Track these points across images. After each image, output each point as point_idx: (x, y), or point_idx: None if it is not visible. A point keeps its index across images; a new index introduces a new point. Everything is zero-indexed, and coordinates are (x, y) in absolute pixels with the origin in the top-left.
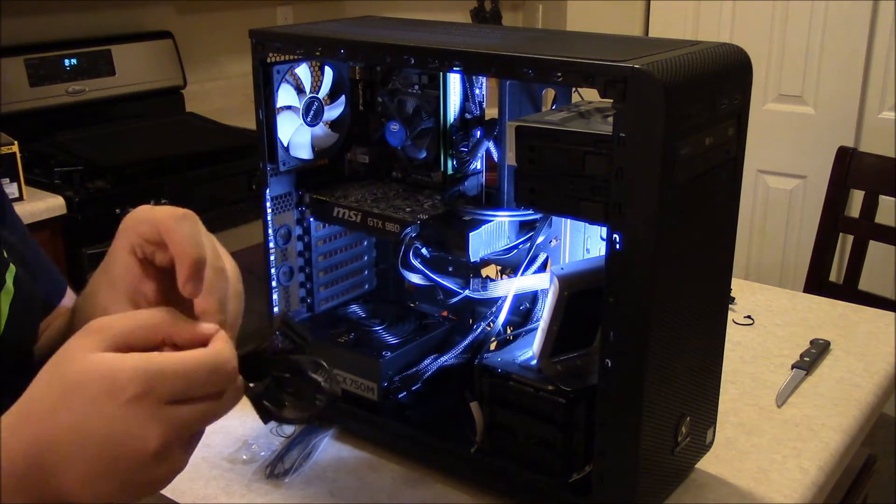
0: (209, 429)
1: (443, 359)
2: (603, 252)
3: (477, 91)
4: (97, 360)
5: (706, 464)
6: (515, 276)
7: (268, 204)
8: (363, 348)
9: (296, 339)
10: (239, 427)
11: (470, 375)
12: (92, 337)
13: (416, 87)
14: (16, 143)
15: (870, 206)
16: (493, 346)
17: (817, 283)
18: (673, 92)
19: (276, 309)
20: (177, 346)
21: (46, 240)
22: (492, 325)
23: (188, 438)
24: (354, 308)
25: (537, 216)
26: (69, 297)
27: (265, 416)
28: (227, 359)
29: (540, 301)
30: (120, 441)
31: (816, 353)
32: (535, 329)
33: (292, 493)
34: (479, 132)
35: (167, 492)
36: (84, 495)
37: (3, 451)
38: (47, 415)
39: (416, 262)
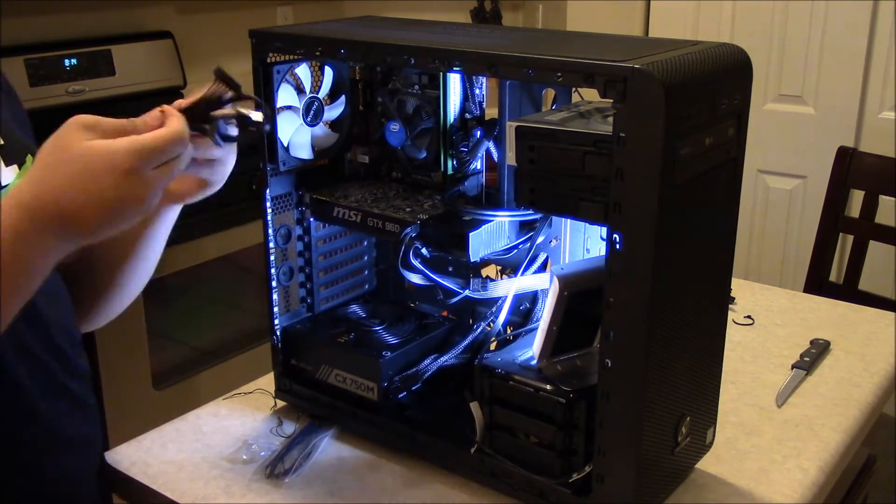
0: (209, 429)
1: (443, 359)
2: (603, 252)
3: (477, 91)
4: (97, 144)
5: (706, 464)
6: (515, 276)
7: (268, 204)
8: (363, 348)
9: (231, 85)
10: (239, 427)
11: (470, 375)
12: (84, 131)
13: (416, 87)
14: (29, 156)
15: (870, 206)
16: (493, 346)
17: (817, 283)
18: (673, 92)
19: (275, 310)
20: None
21: None
22: (492, 325)
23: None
24: (354, 308)
25: (537, 216)
26: None
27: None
28: (184, 128)
29: (540, 301)
30: (123, 199)
31: (816, 353)
32: (535, 329)
33: (292, 493)
34: (479, 132)
35: (167, 492)
36: (95, 229)
37: (30, 207)
38: (62, 187)
39: (416, 262)
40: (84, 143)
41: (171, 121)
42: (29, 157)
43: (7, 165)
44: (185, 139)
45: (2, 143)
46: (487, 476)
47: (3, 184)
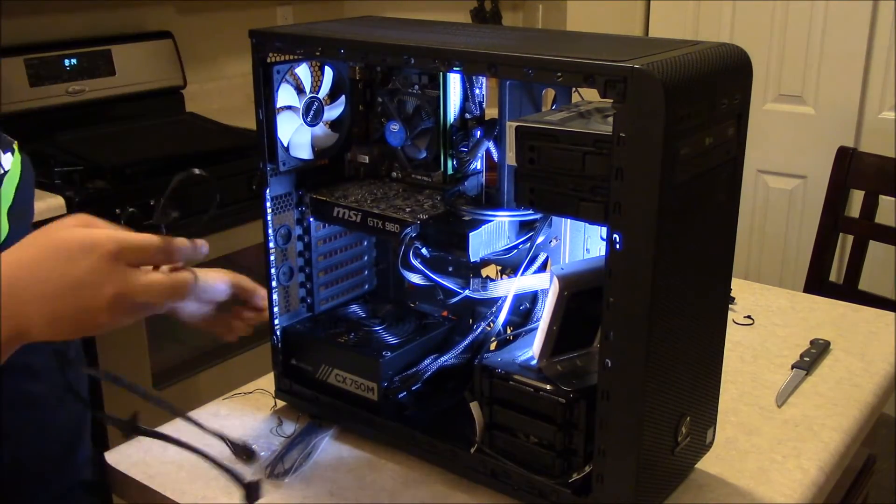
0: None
1: (443, 359)
2: (603, 252)
3: (477, 91)
4: (80, 231)
5: (706, 464)
6: (515, 276)
7: (268, 204)
8: (363, 348)
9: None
10: (239, 427)
11: (470, 375)
12: (77, 218)
13: (416, 87)
14: (15, 143)
15: (870, 206)
16: (493, 346)
17: (817, 283)
18: (673, 92)
19: (276, 310)
20: None
21: None
22: (492, 325)
23: (135, 305)
24: (354, 308)
25: (537, 216)
26: None
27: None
28: (179, 244)
29: (540, 301)
30: (85, 287)
31: (816, 353)
32: (535, 329)
33: (292, 493)
34: (479, 132)
35: (167, 492)
36: (43, 330)
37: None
38: (31, 264)
39: (416, 262)
40: (68, 230)
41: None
42: (16, 143)
43: (4, 153)
44: (176, 249)
45: None
46: (487, 476)
47: (6, 168)
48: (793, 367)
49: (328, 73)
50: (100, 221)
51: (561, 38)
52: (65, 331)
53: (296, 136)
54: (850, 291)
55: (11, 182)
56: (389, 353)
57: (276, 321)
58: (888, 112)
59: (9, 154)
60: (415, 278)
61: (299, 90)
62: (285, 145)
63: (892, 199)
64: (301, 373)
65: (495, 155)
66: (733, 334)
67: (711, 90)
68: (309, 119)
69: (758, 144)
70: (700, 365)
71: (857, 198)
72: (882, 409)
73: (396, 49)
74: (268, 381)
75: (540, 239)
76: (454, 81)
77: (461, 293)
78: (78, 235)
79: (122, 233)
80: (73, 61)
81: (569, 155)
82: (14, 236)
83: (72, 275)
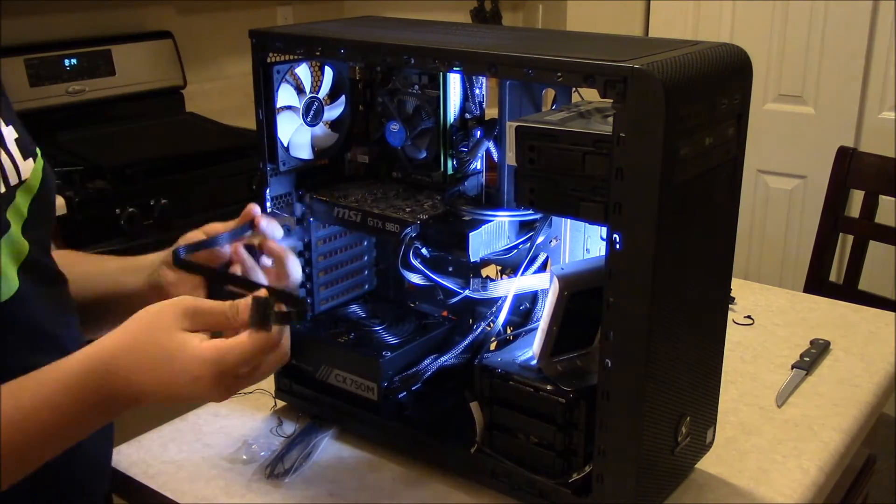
0: (209, 429)
1: (443, 359)
2: (603, 252)
3: (477, 91)
4: (189, 345)
5: (706, 464)
6: (515, 276)
7: (268, 204)
8: (363, 348)
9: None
10: (239, 427)
11: (470, 375)
12: (184, 318)
13: (416, 87)
14: (38, 149)
15: (870, 206)
16: (493, 346)
17: (817, 283)
18: (673, 92)
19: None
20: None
21: None
22: (492, 325)
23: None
24: (354, 308)
25: (537, 216)
26: None
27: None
28: (275, 340)
29: (540, 301)
30: (191, 398)
31: (816, 353)
32: (535, 329)
33: (292, 493)
34: (479, 132)
35: (167, 492)
36: (157, 402)
37: (98, 374)
38: (135, 366)
39: (416, 262)
40: (175, 335)
41: (261, 336)
42: (38, 150)
43: (24, 160)
44: (272, 347)
45: (17, 136)
46: (487, 476)
47: (23, 178)
48: (793, 367)
49: (328, 73)
50: (205, 309)
51: (561, 38)
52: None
53: (296, 136)
54: (850, 291)
55: (28, 193)
56: (389, 353)
57: None
58: (888, 112)
59: (30, 161)
60: (415, 278)
61: (299, 90)
62: (285, 145)
63: (892, 199)
64: (301, 373)
65: (495, 155)
66: (733, 334)
67: (711, 90)
68: (309, 119)
69: (758, 144)
70: (700, 365)
71: (857, 198)
72: (882, 409)
73: (396, 49)
74: (268, 381)
75: (540, 239)
76: (454, 81)
77: (461, 293)
78: (185, 349)
79: (224, 353)
80: (73, 61)
81: (569, 155)
82: (35, 251)
83: (179, 382)
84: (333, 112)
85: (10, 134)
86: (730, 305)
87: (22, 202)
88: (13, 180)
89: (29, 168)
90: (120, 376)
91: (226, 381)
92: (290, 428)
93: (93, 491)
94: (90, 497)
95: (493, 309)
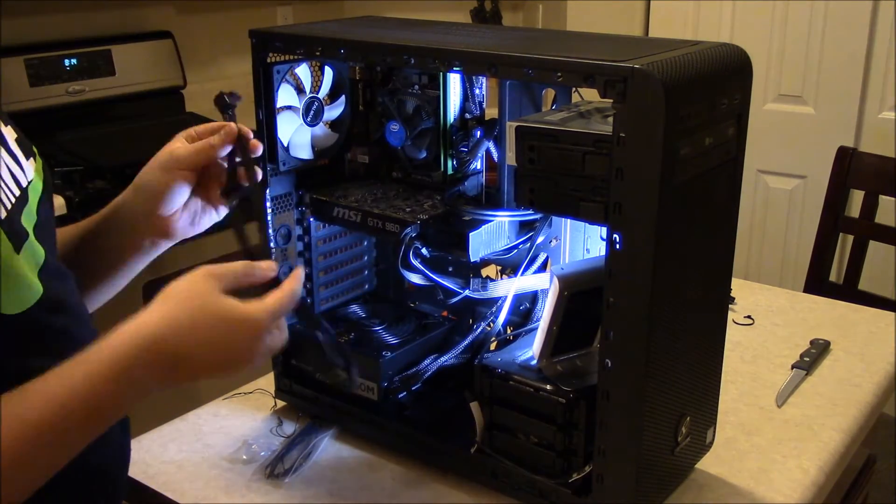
0: (209, 429)
1: (443, 359)
2: (603, 252)
3: (477, 91)
4: (236, 309)
5: (706, 464)
6: (515, 276)
7: (268, 204)
8: (363, 348)
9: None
10: (239, 427)
11: (470, 375)
12: (215, 280)
13: (416, 87)
14: (35, 148)
15: (870, 206)
16: (493, 346)
17: (817, 283)
18: (673, 92)
19: None
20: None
21: None
22: (492, 325)
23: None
24: (354, 308)
25: (537, 216)
26: None
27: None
28: (298, 289)
29: (540, 301)
30: (240, 356)
31: (816, 353)
32: (535, 329)
33: (292, 493)
34: (479, 132)
35: (167, 492)
36: (199, 377)
37: (149, 352)
38: (200, 344)
39: (416, 262)
40: (221, 299)
41: (291, 282)
42: (35, 148)
43: (27, 159)
44: (298, 296)
45: (16, 136)
46: (487, 476)
47: (30, 178)
48: (793, 367)
49: (328, 73)
50: (226, 268)
51: (561, 38)
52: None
53: (296, 136)
54: (850, 291)
55: (35, 193)
56: (389, 353)
57: None
58: (888, 112)
59: (31, 160)
60: (415, 278)
61: (299, 90)
62: (285, 145)
63: (892, 199)
64: (301, 373)
65: (495, 155)
66: (733, 334)
67: (711, 90)
68: (309, 119)
69: (758, 144)
70: (700, 365)
71: (857, 198)
72: (882, 409)
73: (396, 49)
74: (268, 381)
75: (540, 239)
76: (454, 81)
77: (461, 293)
78: (229, 310)
79: (269, 306)
80: (73, 61)
81: (569, 155)
82: (48, 254)
83: (230, 346)
84: (333, 112)
85: (10, 134)
86: (730, 305)
87: (33, 203)
88: (24, 181)
89: (31, 168)
90: (170, 353)
91: (271, 338)
92: (290, 428)
93: (115, 476)
94: (113, 482)
95: (493, 309)
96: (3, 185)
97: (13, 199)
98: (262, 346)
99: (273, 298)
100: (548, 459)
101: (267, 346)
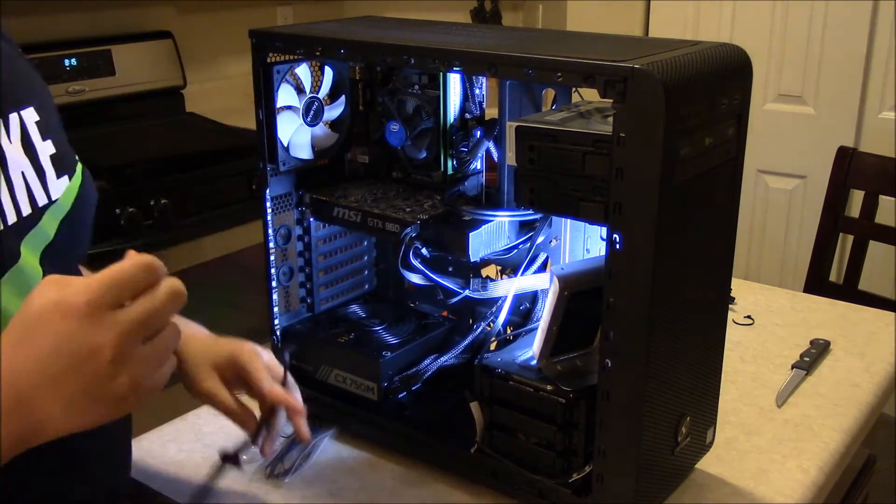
0: (209, 429)
1: (443, 359)
2: (603, 252)
3: (477, 91)
4: (52, 293)
5: (706, 464)
6: (515, 276)
7: (268, 204)
8: (363, 348)
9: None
10: (239, 427)
11: (470, 375)
12: (48, 281)
13: (416, 87)
14: (80, 163)
15: (870, 206)
16: (493, 346)
17: (817, 283)
18: (673, 92)
19: (275, 310)
20: None
21: None
22: (492, 325)
23: (142, 347)
24: (354, 308)
25: (537, 216)
26: None
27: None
28: (150, 259)
29: (540, 301)
30: (79, 354)
31: (816, 353)
32: (535, 329)
33: (292, 493)
34: (479, 132)
35: (167, 492)
36: (63, 420)
37: None
38: (14, 349)
39: (416, 262)
40: (41, 296)
41: (140, 257)
42: (80, 165)
43: (59, 177)
44: (152, 265)
45: (53, 151)
46: (487, 476)
47: (52, 198)
48: (793, 367)
49: (328, 73)
50: (72, 278)
51: (561, 38)
52: (84, 413)
53: (296, 136)
54: (850, 291)
55: (57, 214)
56: (389, 353)
57: (276, 321)
58: (888, 112)
59: (64, 178)
60: (415, 278)
61: (299, 90)
62: (285, 145)
63: (892, 199)
64: (301, 373)
65: (495, 155)
66: (733, 334)
67: (711, 90)
68: (309, 119)
69: (758, 144)
70: (700, 365)
71: (857, 198)
72: (882, 409)
73: (396, 49)
74: None
75: (540, 239)
76: (454, 81)
77: (461, 293)
78: (51, 298)
79: (90, 277)
80: (73, 61)
81: (569, 155)
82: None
83: (63, 345)
84: (333, 112)
85: (45, 149)
86: (730, 305)
87: (49, 224)
88: (41, 201)
89: (62, 186)
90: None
91: (106, 317)
92: (290, 428)
93: (116, 476)
94: (114, 482)
95: (493, 309)
96: (1, 203)
97: (14, 220)
98: (102, 332)
99: (104, 271)
100: (548, 459)
101: (119, 323)
